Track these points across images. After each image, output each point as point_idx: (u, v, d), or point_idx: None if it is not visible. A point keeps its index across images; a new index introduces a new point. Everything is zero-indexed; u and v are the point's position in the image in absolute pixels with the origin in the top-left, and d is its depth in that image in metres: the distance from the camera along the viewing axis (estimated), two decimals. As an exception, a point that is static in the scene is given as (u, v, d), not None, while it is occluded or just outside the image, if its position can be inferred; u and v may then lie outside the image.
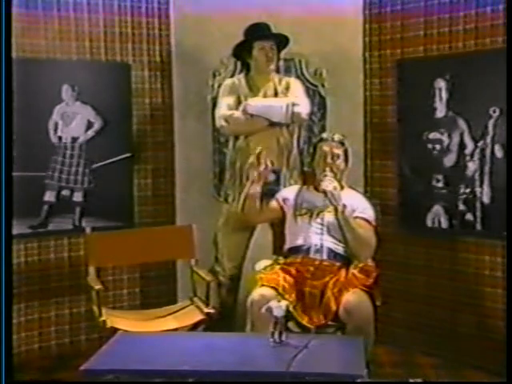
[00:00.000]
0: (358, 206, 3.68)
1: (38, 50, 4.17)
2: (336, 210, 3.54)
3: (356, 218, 3.62)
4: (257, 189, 3.73)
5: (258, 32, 3.93)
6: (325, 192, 3.56)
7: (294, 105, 3.88)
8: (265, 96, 3.98)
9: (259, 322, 3.28)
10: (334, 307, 3.39)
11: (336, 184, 3.59)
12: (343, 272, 3.54)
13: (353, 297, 3.37)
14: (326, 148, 3.71)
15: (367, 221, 3.65)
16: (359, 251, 3.58)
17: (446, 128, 4.09)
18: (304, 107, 3.94)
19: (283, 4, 4.34)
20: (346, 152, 3.74)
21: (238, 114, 3.90)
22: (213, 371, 2.74)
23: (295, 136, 4.05)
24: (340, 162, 3.72)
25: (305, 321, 3.39)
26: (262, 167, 3.70)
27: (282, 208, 3.79)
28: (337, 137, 3.74)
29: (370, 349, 3.28)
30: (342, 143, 3.74)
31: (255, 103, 3.90)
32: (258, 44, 3.92)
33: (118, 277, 4.50)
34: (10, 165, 3.73)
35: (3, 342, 2.91)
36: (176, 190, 4.64)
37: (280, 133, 3.97)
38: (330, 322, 3.42)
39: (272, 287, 3.42)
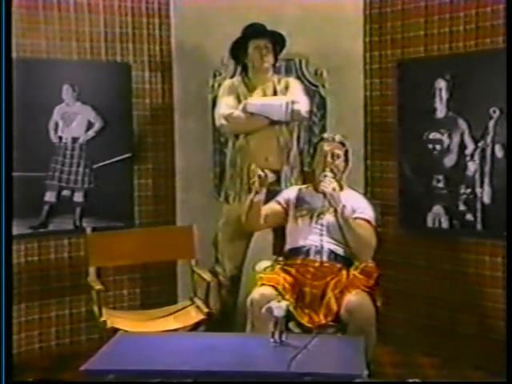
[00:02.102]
0: (359, 206, 3.67)
1: (38, 50, 4.17)
2: (336, 211, 3.54)
3: (356, 218, 3.61)
4: (261, 197, 3.70)
5: (252, 31, 3.95)
6: (324, 193, 3.56)
7: (293, 103, 3.88)
8: (264, 95, 3.98)
9: (259, 321, 3.28)
10: (335, 308, 3.39)
11: (335, 185, 3.57)
12: (344, 273, 3.53)
13: (355, 297, 3.36)
14: (326, 148, 3.71)
15: (367, 221, 3.64)
16: (360, 252, 3.58)
17: (446, 128, 4.09)
18: (303, 105, 3.94)
19: (284, 4, 4.35)
20: (346, 153, 3.74)
21: (237, 112, 3.91)
22: (213, 371, 2.74)
23: (295, 135, 4.06)
24: (340, 162, 3.72)
25: (305, 320, 3.39)
26: (263, 174, 3.67)
27: (286, 211, 3.77)
28: (338, 137, 3.74)
29: (370, 350, 3.27)
30: (342, 144, 3.74)
31: (255, 102, 3.91)
32: (252, 43, 3.94)
33: (118, 277, 4.50)
34: (10, 165, 3.73)
35: (3, 342, 2.92)
36: (176, 191, 4.65)
37: (280, 132, 3.97)
38: (330, 323, 3.42)
39: (272, 286, 3.42)
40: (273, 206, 3.78)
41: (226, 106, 3.95)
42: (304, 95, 4.01)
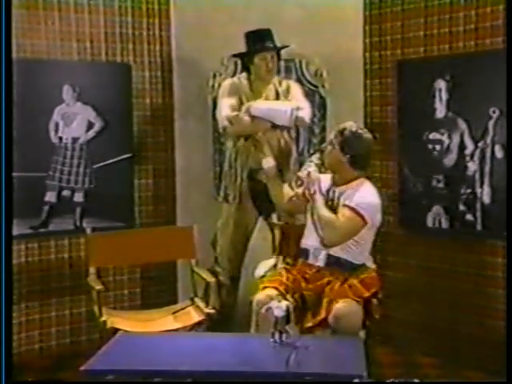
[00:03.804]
0: (352, 197, 3.47)
1: (38, 50, 4.18)
2: (310, 194, 3.49)
3: (343, 206, 3.46)
4: (272, 163, 3.76)
5: (259, 43, 3.90)
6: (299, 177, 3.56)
7: (298, 109, 3.87)
8: (266, 98, 3.97)
9: (264, 322, 3.26)
10: (323, 314, 3.36)
11: (312, 169, 3.52)
12: (339, 281, 3.44)
13: (343, 305, 3.31)
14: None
15: (353, 210, 3.42)
16: (322, 231, 3.44)
17: (446, 128, 4.09)
18: (307, 112, 3.94)
19: (284, 5, 4.35)
20: (342, 141, 3.46)
21: (241, 115, 3.89)
22: (213, 371, 2.75)
23: (294, 136, 4.06)
24: (332, 149, 3.51)
25: (295, 322, 3.37)
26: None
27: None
28: (341, 126, 3.53)
29: None
30: (341, 132, 3.49)
31: (260, 106, 3.89)
32: (259, 54, 3.90)
33: (118, 277, 4.51)
34: (10, 165, 3.73)
35: (3, 343, 2.92)
36: (176, 191, 4.65)
37: (280, 135, 3.97)
38: (316, 326, 3.39)
39: (275, 287, 3.42)
40: (297, 190, 3.68)
41: (228, 107, 3.93)
42: (306, 100, 3.99)
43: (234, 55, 4.07)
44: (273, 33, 3.94)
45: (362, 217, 3.43)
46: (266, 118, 3.89)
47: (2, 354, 2.87)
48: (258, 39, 3.92)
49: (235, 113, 3.91)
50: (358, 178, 3.55)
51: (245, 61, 4.02)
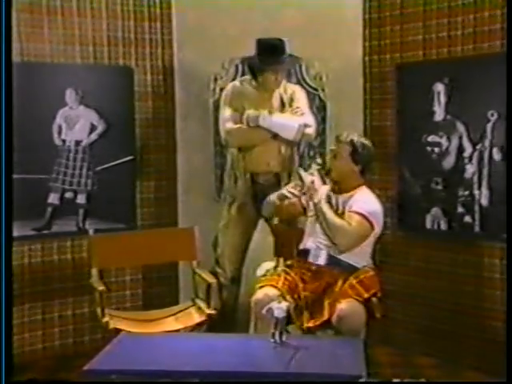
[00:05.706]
0: (358, 203, 3.56)
1: (41, 54, 4.21)
2: (314, 202, 3.52)
3: (352, 211, 3.53)
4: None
5: (272, 58, 3.89)
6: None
7: (305, 126, 3.90)
8: (271, 106, 3.97)
9: (262, 321, 3.31)
10: (326, 316, 3.39)
11: (314, 178, 3.54)
12: (340, 282, 3.48)
13: (346, 305, 3.34)
14: (331, 147, 3.70)
15: (357, 213, 3.49)
16: (334, 238, 3.47)
17: (444, 131, 4.12)
18: (314, 129, 3.99)
19: (284, 8, 4.38)
20: (353, 153, 3.59)
21: (243, 127, 3.91)
22: (214, 372, 2.78)
23: (295, 147, 4.09)
24: (341, 162, 3.60)
25: (297, 323, 3.41)
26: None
27: (302, 204, 3.70)
28: (344, 136, 3.62)
29: None
30: (351, 143, 3.60)
31: (270, 118, 3.89)
32: (269, 68, 3.91)
33: (120, 278, 4.53)
34: (10, 167, 3.74)
35: (3, 343, 2.93)
36: (178, 192, 4.68)
37: (281, 141, 3.99)
38: (318, 327, 3.42)
39: (274, 287, 3.45)
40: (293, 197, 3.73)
41: (230, 120, 3.94)
42: (310, 112, 4.03)
43: (243, 60, 4.07)
44: (285, 44, 3.94)
45: (371, 223, 3.52)
46: (272, 130, 3.92)
47: (2, 355, 2.89)
48: (272, 53, 3.91)
49: (237, 126, 3.93)
50: (360, 185, 3.65)
51: (252, 69, 4.01)
